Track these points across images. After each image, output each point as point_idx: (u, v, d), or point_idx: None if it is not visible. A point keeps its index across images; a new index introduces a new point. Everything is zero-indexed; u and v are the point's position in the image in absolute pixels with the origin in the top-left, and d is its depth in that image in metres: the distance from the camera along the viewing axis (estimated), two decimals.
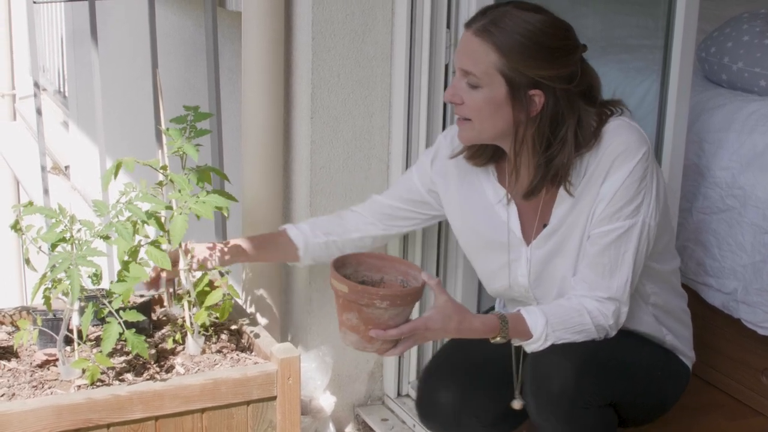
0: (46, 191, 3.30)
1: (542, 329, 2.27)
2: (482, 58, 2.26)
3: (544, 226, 2.40)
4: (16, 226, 2.29)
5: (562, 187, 2.33)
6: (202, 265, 2.45)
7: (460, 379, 2.48)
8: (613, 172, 2.30)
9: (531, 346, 2.30)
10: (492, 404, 2.49)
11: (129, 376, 2.29)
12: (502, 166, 2.46)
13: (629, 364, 2.41)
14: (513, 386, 2.45)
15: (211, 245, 2.51)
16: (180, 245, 2.38)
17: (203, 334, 2.43)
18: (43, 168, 3.30)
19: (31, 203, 2.30)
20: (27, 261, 2.33)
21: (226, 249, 2.50)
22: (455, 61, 2.34)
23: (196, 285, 2.43)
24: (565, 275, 2.40)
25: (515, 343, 2.32)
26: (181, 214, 2.31)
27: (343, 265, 2.23)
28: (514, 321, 2.27)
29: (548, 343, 2.28)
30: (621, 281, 2.32)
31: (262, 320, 2.86)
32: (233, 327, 2.57)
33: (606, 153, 2.30)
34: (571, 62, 2.30)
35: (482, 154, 2.44)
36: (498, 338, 2.26)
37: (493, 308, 2.77)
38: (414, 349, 3.05)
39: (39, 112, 3.30)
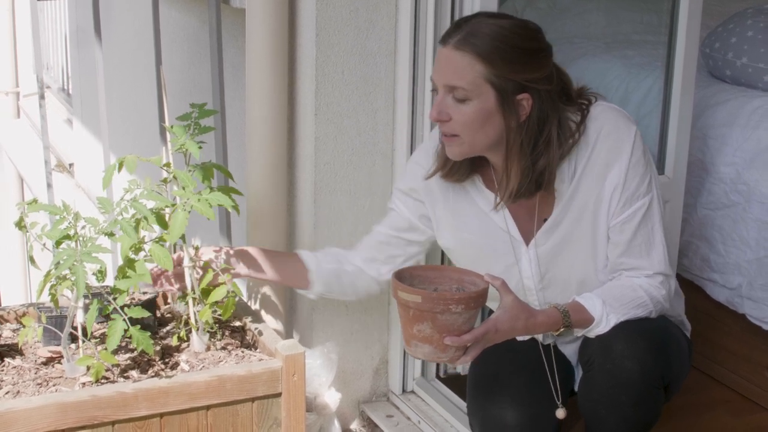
0: (49, 187, 3.30)
1: (601, 310, 2.27)
2: (468, 70, 2.24)
3: (545, 221, 2.40)
4: (20, 224, 2.29)
5: (558, 180, 2.34)
6: (207, 264, 2.45)
7: (517, 391, 2.41)
8: (615, 158, 2.31)
9: (595, 330, 2.28)
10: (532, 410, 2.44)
11: (134, 373, 2.29)
12: (486, 172, 2.45)
13: (678, 343, 2.41)
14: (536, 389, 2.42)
15: (218, 248, 2.51)
16: (184, 242, 2.38)
17: (208, 331, 2.43)
18: (47, 162, 3.30)
19: (35, 200, 2.30)
20: (31, 258, 2.33)
21: (232, 252, 2.50)
22: (434, 79, 2.31)
23: (200, 282, 2.43)
24: (581, 276, 2.39)
25: (578, 333, 2.30)
26: (183, 210, 2.31)
27: (400, 280, 2.20)
28: (573, 310, 2.26)
29: (611, 324, 2.27)
30: (659, 254, 2.35)
31: (267, 317, 2.86)
32: (237, 324, 2.57)
33: (599, 140, 2.32)
34: (549, 62, 2.30)
35: (459, 169, 2.42)
36: (562, 329, 2.25)
37: None
38: None
39: (42, 107, 3.30)
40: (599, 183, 2.33)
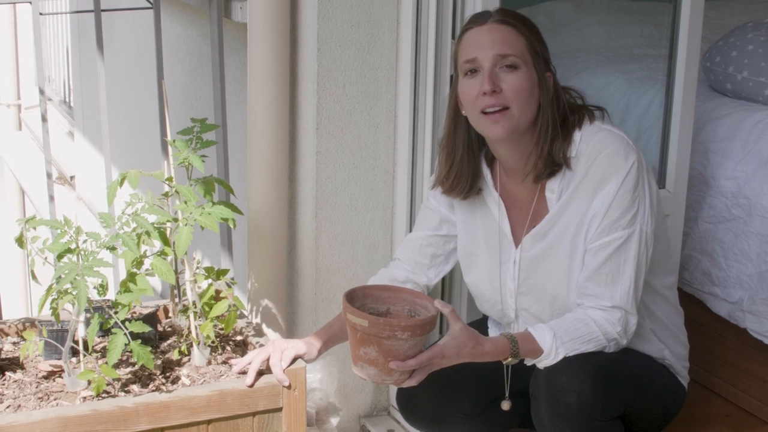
0: (51, 200, 3.30)
1: (551, 342, 2.28)
2: (514, 40, 2.35)
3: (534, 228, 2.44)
4: (20, 241, 2.29)
5: (548, 189, 2.40)
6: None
7: (441, 376, 2.43)
8: (604, 184, 2.33)
9: (543, 362, 2.30)
10: (474, 403, 2.54)
11: (135, 387, 2.29)
12: (493, 166, 2.51)
13: (639, 377, 2.42)
14: (490, 385, 2.48)
15: (302, 342, 2.46)
16: (186, 256, 2.39)
17: (209, 345, 2.43)
18: (49, 176, 3.30)
19: (34, 217, 2.30)
20: (32, 273, 2.33)
21: (317, 343, 2.49)
22: (479, 56, 2.35)
23: (201, 296, 2.43)
24: (554, 291, 2.42)
25: (528, 362, 2.32)
26: (186, 225, 2.31)
27: (351, 300, 2.22)
28: (523, 340, 2.28)
29: (560, 357, 2.29)
30: (624, 289, 2.34)
31: (268, 331, 2.86)
32: (239, 338, 2.57)
33: (595, 163, 2.34)
34: None
35: (459, 183, 2.48)
36: (510, 359, 2.27)
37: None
38: None
39: (44, 119, 3.30)
40: (587, 204, 2.36)
